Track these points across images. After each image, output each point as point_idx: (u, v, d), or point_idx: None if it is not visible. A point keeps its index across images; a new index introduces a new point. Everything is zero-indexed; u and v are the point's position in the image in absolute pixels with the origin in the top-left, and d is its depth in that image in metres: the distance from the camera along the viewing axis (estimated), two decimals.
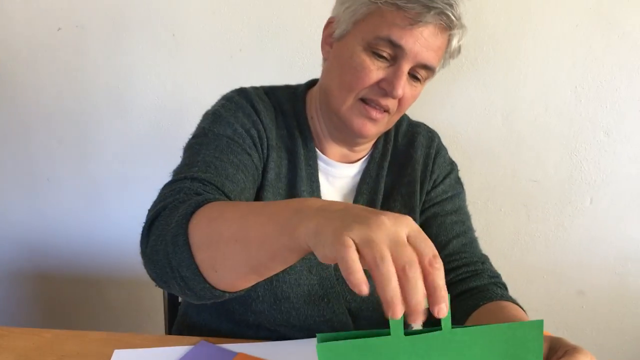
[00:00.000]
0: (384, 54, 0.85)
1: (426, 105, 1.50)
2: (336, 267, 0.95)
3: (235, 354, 0.87)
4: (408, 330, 0.52)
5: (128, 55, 1.54)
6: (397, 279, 0.46)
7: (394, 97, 0.86)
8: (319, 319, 0.95)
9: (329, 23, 0.95)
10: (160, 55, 1.53)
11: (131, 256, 1.66)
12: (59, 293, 1.76)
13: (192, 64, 1.53)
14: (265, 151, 0.93)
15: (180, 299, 1.24)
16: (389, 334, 0.51)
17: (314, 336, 0.93)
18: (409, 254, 0.47)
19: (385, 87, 0.86)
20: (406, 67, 0.85)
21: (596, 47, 1.47)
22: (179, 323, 1.09)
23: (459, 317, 0.91)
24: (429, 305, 0.48)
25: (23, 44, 1.54)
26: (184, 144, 0.91)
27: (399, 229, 0.49)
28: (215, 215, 0.64)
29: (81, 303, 1.76)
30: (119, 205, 1.67)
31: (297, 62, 1.53)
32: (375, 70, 0.86)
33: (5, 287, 1.78)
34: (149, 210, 0.74)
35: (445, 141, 1.11)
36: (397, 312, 0.46)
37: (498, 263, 1.02)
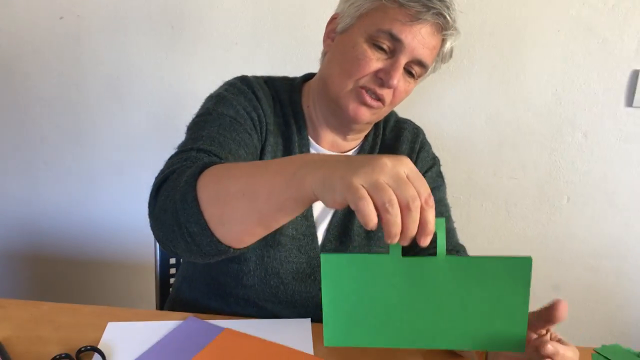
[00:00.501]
0: (384, 47, 0.91)
1: (414, 105, 1.55)
2: (322, 248, 1.02)
3: (222, 329, 0.92)
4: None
5: (127, 46, 1.58)
6: (400, 217, 0.53)
7: (389, 87, 0.92)
8: (305, 295, 1.01)
9: (333, 19, 1.01)
10: (159, 46, 1.57)
11: (125, 238, 1.72)
12: (55, 273, 1.80)
13: (189, 56, 1.58)
14: (263, 134, 0.99)
15: (172, 280, 1.29)
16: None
17: (300, 315, 0.99)
18: (412, 191, 0.54)
19: (382, 77, 0.92)
20: (403, 60, 0.91)
21: (576, 53, 1.52)
22: (171, 300, 1.14)
23: None
24: (416, 235, 0.55)
25: (25, 32, 1.58)
26: (187, 124, 0.95)
27: (400, 169, 0.55)
28: (223, 173, 0.69)
29: (75, 283, 1.81)
30: (114, 190, 1.71)
31: (290, 56, 1.57)
32: (375, 60, 0.92)
33: (1, 266, 1.82)
34: (156, 177, 0.78)
35: (430, 139, 1.17)
36: (396, 240, 0.54)
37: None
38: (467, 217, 1.69)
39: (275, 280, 1.00)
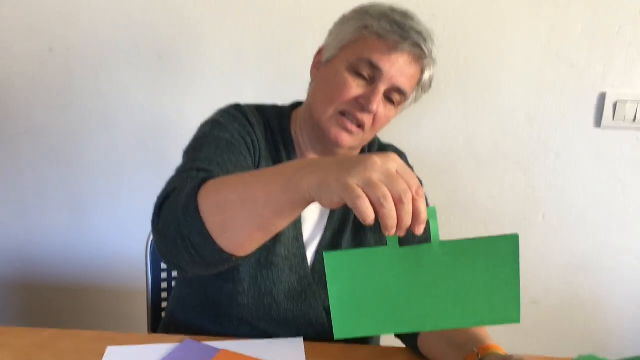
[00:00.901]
0: (364, 74, 0.97)
1: (395, 129, 1.61)
2: (312, 268, 1.07)
3: (218, 350, 0.95)
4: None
5: (116, 76, 1.62)
6: (395, 211, 0.58)
7: (369, 112, 0.97)
8: (298, 313, 1.05)
9: (320, 51, 1.08)
10: (147, 76, 1.61)
11: (116, 263, 1.74)
12: (48, 301, 1.80)
13: (177, 85, 1.62)
14: (257, 158, 1.03)
15: (164, 303, 1.32)
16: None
17: (292, 333, 1.03)
18: (403, 185, 0.59)
19: (362, 102, 0.97)
20: (382, 87, 0.97)
21: (546, 77, 1.59)
22: (165, 322, 1.17)
23: None
24: (411, 225, 0.60)
25: (15, 63, 1.61)
26: (184, 148, 0.98)
27: (390, 165, 0.60)
28: (222, 183, 0.73)
29: (69, 311, 1.81)
30: (103, 218, 1.73)
31: (275, 85, 1.62)
32: (355, 87, 0.98)
33: None
34: (159, 195, 0.82)
35: (412, 161, 1.23)
36: (393, 232, 0.59)
37: None
38: (449, 237, 1.73)
39: (269, 299, 1.03)
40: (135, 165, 1.69)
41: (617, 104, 1.58)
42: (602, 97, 1.60)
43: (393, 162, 0.60)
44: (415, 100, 1.08)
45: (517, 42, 1.58)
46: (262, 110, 1.11)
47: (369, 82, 0.98)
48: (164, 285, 1.32)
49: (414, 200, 0.59)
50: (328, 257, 0.63)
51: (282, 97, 1.59)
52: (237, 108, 1.07)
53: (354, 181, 0.58)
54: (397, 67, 0.96)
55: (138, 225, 1.61)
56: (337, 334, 0.66)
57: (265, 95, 1.62)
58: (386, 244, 0.63)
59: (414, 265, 0.64)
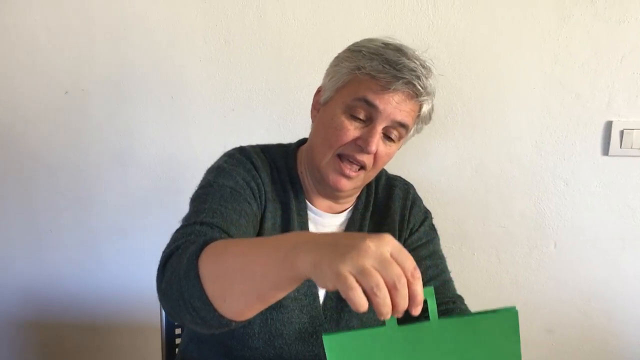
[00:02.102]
0: (361, 116, 0.97)
1: (403, 161, 1.64)
2: (324, 307, 1.07)
3: None
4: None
5: (130, 116, 1.66)
6: (389, 298, 0.57)
7: (368, 153, 0.97)
8: (309, 354, 1.04)
9: (318, 91, 1.08)
10: (160, 116, 1.65)
11: (129, 303, 1.75)
12: (61, 340, 1.81)
13: (189, 124, 1.65)
14: (263, 202, 1.03)
15: (178, 340, 1.32)
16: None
17: None
18: (397, 270, 0.57)
19: (361, 144, 0.97)
20: (380, 126, 0.97)
21: (552, 106, 1.61)
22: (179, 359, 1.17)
23: None
24: (408, 307, 0.59)
25: (32, 105, 1.65)
26: (191, 196, 0.99)
27: (383, 249, 0.58)
28: (221, 251, 0.73)
29: (82, 350, 1.82)
30: (118, 256, 1.75)
31: (284, 122, 1.65)
32: (353, 130, 0.97)
33: (7, 335, 1.83)
34: (163, 252, 0.82)
35: (420, 193, 1.23)
36: (388, 317, 0.58)
37: (472, 303, 1.11)
38: (461, 266, 1.74)
39: (280, 342, 1.03)
40: (148, 201, 1.71)
41: (624, 132, 1.59)
42: (609, 126, 1.61)
43: (387, 245, 0.59)
44: (417, 131, 1.08)
45: (521, 72, 1.60)
46: (267, 151, 1.12)
47: (366, 123, 0.98)
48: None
49: (409, 283, 0.58)
50: (327, 340, 0.63)
51: (292, 131, 1.63)
52: (241, 151, 1.08)
53: (346, 269, 0.57)
54: (393, 105, 0.96)
55: (151, 262, 1.61)
56: None
57: (275, 130, 1.65)
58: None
59: (414, 343, 0.63)
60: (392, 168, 1.22)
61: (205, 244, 0.75)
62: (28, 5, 1.62)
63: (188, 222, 0.89)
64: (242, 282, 0.68)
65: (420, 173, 1.67)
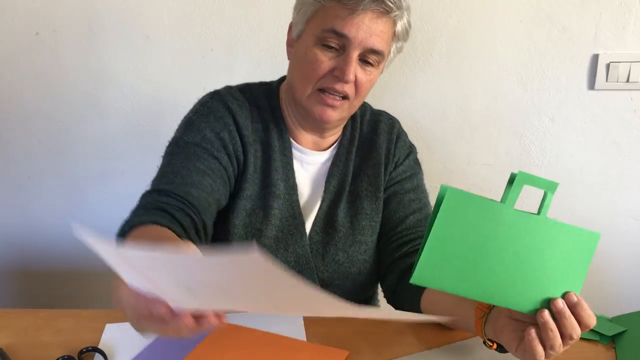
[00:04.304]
0: (333, 45, 0.96)
1: (386, 97, 1.61)
2: (311, 244, 1.07)
3: (195, 344, 0.91)
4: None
5: (104, 57, 1.60)
6: None
7: (346, 82, 0.96)
8: None
9: (290, 28, 1.06)
10: (136, 56, 1.60)
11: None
12: (47, 285, 1.81)
13: (166, 64, 1.60)
14: (240, 150, 1.03)
15: None
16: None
17: None
18: None
19: (337, 75, 0.96)
20: (354, 54, 0.95)
21: (538, 41, 1.58)
22: None
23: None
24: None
25: (1, 49, 1.60)
26: (164, 148, 1.03)
27: None
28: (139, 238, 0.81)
29: (66, 296, 1.82)
30: (99, 200, 1.73)
31: (265, 60, 1.61)
32: (327, 61, 0.96)
33: None
34: (124, 220, 0.89)
35: (405, 127, 1.22)
36: None
37: None
38: None
39: None
40: (128, 145, 1.68)
41: (610, 65, 1.57)
42: (595, 59, 1.59)
43: None
44: (398, 51, 1.06)
45: (508, 5, 1.56)
46: (247, 90, 1.10)
47: (339, 52, 0.96)
48: None
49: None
50: (450, 193, 0.65)
51: (272, 71, 1.59)
52: (214, 96, 1.07)
53: None
54: (364, 29, 0.94)
55: (132, 208, 1.61)
56: (414, 279, 0.67)
57: (255, 70, 1.61)
58: None
59: (517, 227, 0.68)
60: (377, 102, 1.22)
61: (132, 228, 0.83)
62: None
63: (152, 188, 0.96)
64: None
65: (403, 110, 1.64)
